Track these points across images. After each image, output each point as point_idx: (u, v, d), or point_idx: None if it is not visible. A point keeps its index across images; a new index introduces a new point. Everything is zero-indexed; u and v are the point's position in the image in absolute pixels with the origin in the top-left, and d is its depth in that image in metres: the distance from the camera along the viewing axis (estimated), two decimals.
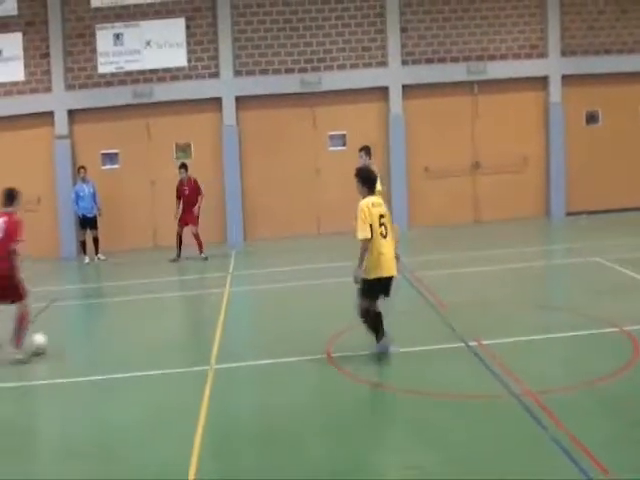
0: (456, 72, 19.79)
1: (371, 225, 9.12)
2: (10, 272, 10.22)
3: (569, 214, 20.19)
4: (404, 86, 19.69)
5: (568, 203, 20.27)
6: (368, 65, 19.73)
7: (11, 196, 10.73)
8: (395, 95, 19.68)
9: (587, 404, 7.89)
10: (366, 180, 9.49)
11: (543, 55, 20.10)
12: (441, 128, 19.92)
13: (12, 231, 10.36)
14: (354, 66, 19.72)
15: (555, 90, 20.11)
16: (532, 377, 8.62)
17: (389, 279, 9.33)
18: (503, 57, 20.00)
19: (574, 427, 7.15)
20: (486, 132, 20.08)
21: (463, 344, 9.88)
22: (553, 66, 20.03)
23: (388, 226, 9.34)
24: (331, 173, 19.73)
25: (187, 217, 17.96)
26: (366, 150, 13.86)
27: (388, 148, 19.75)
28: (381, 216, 9.28)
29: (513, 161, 20.22)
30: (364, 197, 9.36)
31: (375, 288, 9.26)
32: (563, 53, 20.10)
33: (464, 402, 8.00)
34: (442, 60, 19.82)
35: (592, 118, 20.46)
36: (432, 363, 9.40)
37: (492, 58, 19.95)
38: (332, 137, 20.06)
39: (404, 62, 19.70)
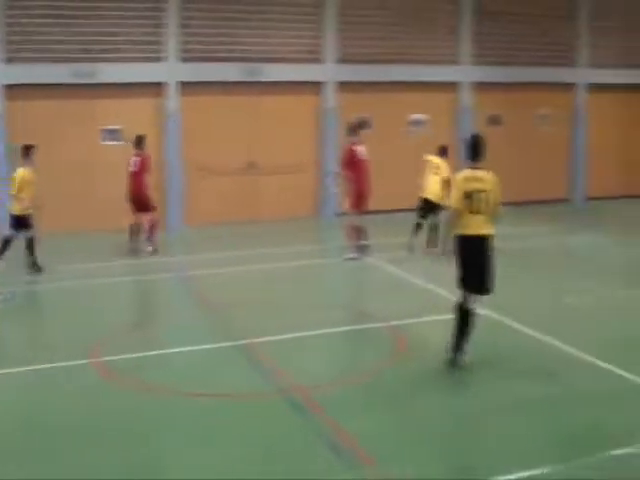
0: (234, 72, 19.86)
1: None
2: None
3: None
4: (182, 83, 19.50)
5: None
6: (145, 60, 19.33)
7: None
8: (172, 91, 19.46)
9: (354, 398, 8.22)
10: None
11: (319, 61, 20.67)
12: (219, 126, 19.94)
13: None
14: (132, 60, 19.21)
15: (330, 95, 20.76)
16: (301, 373, 8.87)
17: None
18: (281, 60, 20.35)
19: (341, 420, 7.45)
20: (264, 132, 20.35)
21: (234, 343, 9.98)
22: (328, 72, 20.66)
23: None
24: None
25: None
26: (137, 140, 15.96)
27: (163, 144, 19.49)
28: None
29: (290, 162, 20.61)
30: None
31: None
32: (338, 60, 20.81)
33: (235, 401, 8.08)
34: (221, 59, 19.83)
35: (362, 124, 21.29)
36: (202, 363, 9.44)
37: (270, 61, 20.23)
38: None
39: (184, 59, 19.51)
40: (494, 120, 22.72)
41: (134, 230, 15.96)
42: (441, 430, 7.47)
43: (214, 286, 13.23)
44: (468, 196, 8.92)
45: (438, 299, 12.41)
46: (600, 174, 24.22)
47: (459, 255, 9.00)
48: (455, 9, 22.05)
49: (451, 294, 12.45)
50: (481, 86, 22.43)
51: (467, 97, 22.37)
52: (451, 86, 22.25)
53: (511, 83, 22.77)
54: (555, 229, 18.87)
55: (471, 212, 8.90)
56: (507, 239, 17.65)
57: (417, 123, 22.02)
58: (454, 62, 22.23)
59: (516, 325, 10.75)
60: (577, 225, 20.14)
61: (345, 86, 20.89)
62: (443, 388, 8.59)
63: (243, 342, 10.00)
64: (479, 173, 9.05)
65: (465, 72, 22.28)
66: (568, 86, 23.90)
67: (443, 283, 13.39)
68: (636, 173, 24.88)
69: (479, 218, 8.91)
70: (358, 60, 21.10)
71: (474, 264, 8.93)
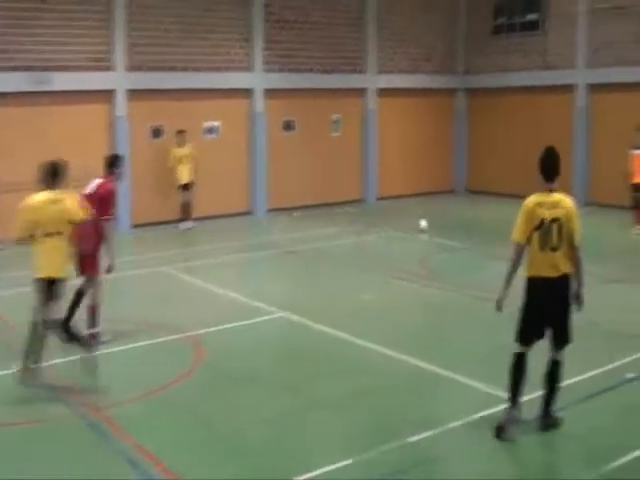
0: (20, 82, 19.07)
1: None
2: None
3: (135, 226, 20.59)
4: None
5: (134, 216, 20.60)
6: None
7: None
8: None
9: (153, 413, 8.22)
10: None
11: (109, 69, 20.26)
12: (8, 140, 18.98)
13: None
14: None
15: (122, 103, 20.43)
16: (98, 392, 8.76)
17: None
18: (70, 69, 19.75)
19: (138, 436, 7.44)
20: (56, 144, 19.50)
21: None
22: (119, 80, 20.30)
23: None
24: None
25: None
26: None
27: None
28: None
29: (83, 174, 19.99)
30: None
31: None
32: (128, 68, 20.48)
33: (31, 427, 7.88)
34: (3, 69, 18.95)
35: (157, 132, 21.10)
36: None
37: (59, 69, 19.59)
38: None
39: None
40: (288, 125, 23.22)
41: None
42: (244, 436, 7.61)
43: (7, 308, 12.69)
44: (539, 227, 7.26)
45: (235, 305, 12.58)
46: (389, 175, 25.39)
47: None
48: (247, 17, 22.26)
49: (248, 299, 12.71)
50: (274, 92, 22.81)
51: (260, 103, 22.66)
52: (245, 92, 22.46)
53: (304, 89, 23.32)
54: (348, 229, 19.46)
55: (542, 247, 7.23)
56: (303, 242, 18.17)
57: (211, 130, 22.09)
58: (247, 69, 22.46)
59: (317, 326, 11.07)
60: (368, 224, 20.75)
61: (137, 94, 20.60)
62: (244, 394, 8.73)
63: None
64: (555, 196, 7.30)
65: (258, 79, 22.56)
66: (359, 91, 24.79)
67: (239, 289, 13.60)
68: (421, 172, 26.14)
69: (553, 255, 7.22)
70: (150, 67, 20.87)
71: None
